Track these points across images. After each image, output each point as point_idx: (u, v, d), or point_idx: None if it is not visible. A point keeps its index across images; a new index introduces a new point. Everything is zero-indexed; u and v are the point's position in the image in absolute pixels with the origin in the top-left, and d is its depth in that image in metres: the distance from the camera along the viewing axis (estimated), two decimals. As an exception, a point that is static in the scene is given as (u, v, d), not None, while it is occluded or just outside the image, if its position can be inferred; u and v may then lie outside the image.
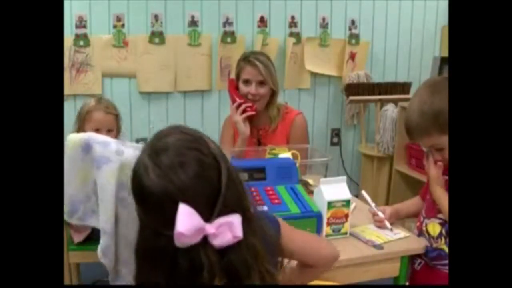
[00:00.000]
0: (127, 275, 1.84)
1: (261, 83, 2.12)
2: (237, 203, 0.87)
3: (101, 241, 1.81)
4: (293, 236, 1.09)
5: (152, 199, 0.84)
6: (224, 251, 0.84)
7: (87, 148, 1.84)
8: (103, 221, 1.79)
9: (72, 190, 1.87)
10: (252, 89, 2.12)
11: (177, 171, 0.82)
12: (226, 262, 0.84)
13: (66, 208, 1.89)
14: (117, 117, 2.20)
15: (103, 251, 1.80)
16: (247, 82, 2.14)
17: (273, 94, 2.18)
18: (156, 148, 0.87)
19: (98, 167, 1.83)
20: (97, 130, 2.07)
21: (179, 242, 0.81)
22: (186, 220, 0.79)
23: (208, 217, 0.83)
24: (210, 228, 0.82)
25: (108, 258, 1.78)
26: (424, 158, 1.51)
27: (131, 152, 1.82)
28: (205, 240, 0.82)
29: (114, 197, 1.77)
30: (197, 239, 0.81)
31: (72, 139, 1.82)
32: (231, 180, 0.86)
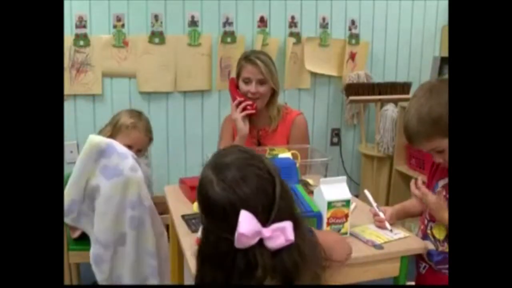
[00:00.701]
0: None
1: (261, 81, 2.11)
2: (288, 212, 0.99)
3: (92, 248, 1.78)
4: (323, 236, 1.16)
5: (217, 209, 0.96)
6: (277, 253, 0.96)
7: (103, 153, 1.81)
8: (99, 230, 1.76)
9: (74, 190, 1.86)
10: (252, 87, 2.11)
11: (240, 185, 0.95)
12: (278, 262, 0.96)
13: (64, 206, 1.87)
14: (150, 140, 2.20)
15: (94, 259, 1.78)
16: (247, 80, 2.13)
17: (273, 93, 2.17)
18: (219, 165, 1.00)
19: (108, 178, 1.79)
20: (128, 147, 2.04)
21: (240, 243, 0.93)
22: (247, 223, 0.92)
23: (264, 223, 0.95)
24: (266, 231, 0.94)
25: (101, 270, 1.79)
26: (412, 187, 1.48)
27: (144, 170, 1.84)
28: (260, 242, 0.94)
29: (117, 211, 1.75)
30: (254, 240, 0.93)
31: (92, 140, 1.79)
32: (284, 192, 0.99)
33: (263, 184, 0.97)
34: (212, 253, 0.98)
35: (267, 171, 0.99)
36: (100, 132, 2.06)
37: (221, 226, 0.96)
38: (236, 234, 0.92)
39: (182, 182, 1.85)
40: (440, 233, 1.45)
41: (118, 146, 1.80)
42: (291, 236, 0.95)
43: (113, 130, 2.08)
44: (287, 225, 0.95)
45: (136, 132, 2.09)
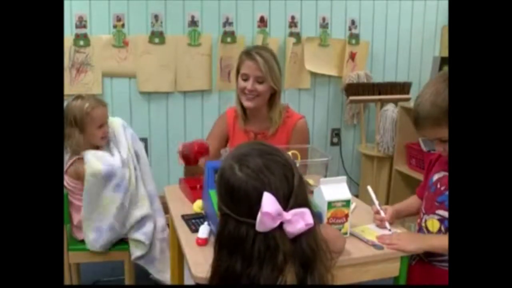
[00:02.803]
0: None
1: (260, 79, 1.97)
2: (304, 201, 1.03)
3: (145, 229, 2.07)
4: (325, 229, 1.18)
5: (240, 192, 0.99)
6: (295, 240, 0.99)
7: (107, 178, 2.00)
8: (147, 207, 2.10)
9: (103, 222, 2.04)
10: (249, 84, 1.97)
11: (264, 171, 0.99)
12: (297, 248, 0.99)
13: (90, 237, 2.05)
14: (107, 105, 2.21)
15: (147, 237, 2.08)
16: (245, 77, 1.99)
17: (274, 93, 2.04)
18: (240, 154, 1.04)
19: (122, 191, 2.03)
20: (101, 126, 2.08)
21: (262, 225, 0.96)
22: (271, 204, 0.96)
23: (284, 208, 0.98)
24: (287, 215, 0.97)
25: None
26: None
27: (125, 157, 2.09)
28: (280, 228, 0.98)
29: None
30: (276, 223, 0.97)
31: (93, 173, 1.98)
32: (301, 182, 1.03)
33: (284, 172, 1.01)
34: (231, 239, 0.99)
35: (286, 160, 1.03)
36: (69, 140, 2.03)
37: (242, 210, 0.99)
38: (259, 215, 0.95)
39: (182, 182, 1.85)
40: (433, 226, 1.46)
41: (109, 162, 2.01)
42: (310, 220, 0.99)
43: (79, 127, 2.03)
44: (306, 210, 0.99)
45: (97, 110, 2.07)
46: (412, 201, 1.65)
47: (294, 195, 1.00)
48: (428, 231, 1.47)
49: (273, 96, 2.05)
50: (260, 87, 1.98)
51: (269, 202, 0.96)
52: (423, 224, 1.49)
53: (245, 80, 2.00)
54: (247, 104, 2.02)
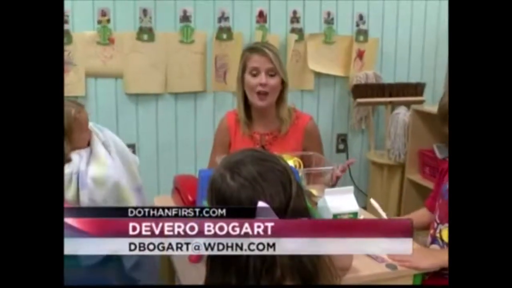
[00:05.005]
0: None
1: (272, 72, 1.99)
2: (303, 211, 1.04)
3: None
4: None
5: (233, 203, 1.00)
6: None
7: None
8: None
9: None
10: (262, 78, 1.97)
11: (258, 180, 1.01)
12: (297, 262, 0.99)
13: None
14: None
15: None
16: (255, 71, 1.99)
17: (282, 89, 2.05)
18: (232, 162, 1.05)
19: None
20: (85, 131, 2.10)
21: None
22: (265, 214, 0.95)
23: (281, 218, 0.98)
24: None
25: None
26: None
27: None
28: None
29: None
30: None
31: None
32: (299, 190, 1.04)
33: (280, 179, 1.02)
34: (225, 254, 0.99)
35: (282, 167, 1.05)
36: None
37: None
38: None
39: (175, 192, 1.86)
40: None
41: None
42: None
43: (67, 137, 2.05)
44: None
45: (82, 114, 2.08)
46: (422, 213, 1.66)
47: (292, 203, 1.00)
48: (443, 242, 1.48)
49: (281, 93, 2.06)
50: (272, 81, 2.00)
51: (263, 212, 0.96)
52: (437, 235, 1.50)
53: (255, 75, 2.00)
54: (260, 103, 2.02)
